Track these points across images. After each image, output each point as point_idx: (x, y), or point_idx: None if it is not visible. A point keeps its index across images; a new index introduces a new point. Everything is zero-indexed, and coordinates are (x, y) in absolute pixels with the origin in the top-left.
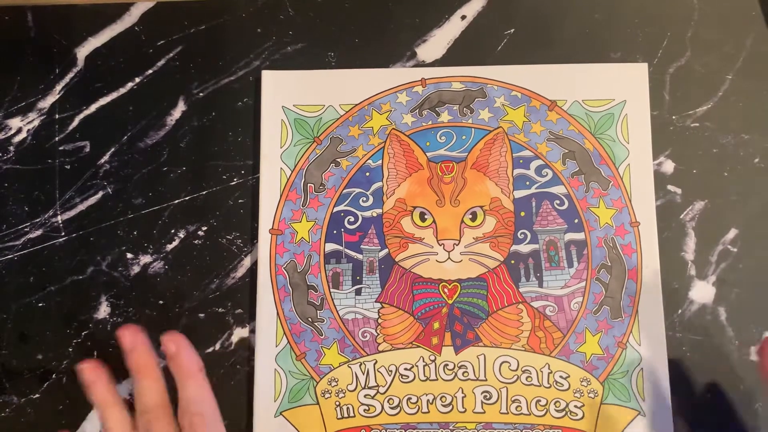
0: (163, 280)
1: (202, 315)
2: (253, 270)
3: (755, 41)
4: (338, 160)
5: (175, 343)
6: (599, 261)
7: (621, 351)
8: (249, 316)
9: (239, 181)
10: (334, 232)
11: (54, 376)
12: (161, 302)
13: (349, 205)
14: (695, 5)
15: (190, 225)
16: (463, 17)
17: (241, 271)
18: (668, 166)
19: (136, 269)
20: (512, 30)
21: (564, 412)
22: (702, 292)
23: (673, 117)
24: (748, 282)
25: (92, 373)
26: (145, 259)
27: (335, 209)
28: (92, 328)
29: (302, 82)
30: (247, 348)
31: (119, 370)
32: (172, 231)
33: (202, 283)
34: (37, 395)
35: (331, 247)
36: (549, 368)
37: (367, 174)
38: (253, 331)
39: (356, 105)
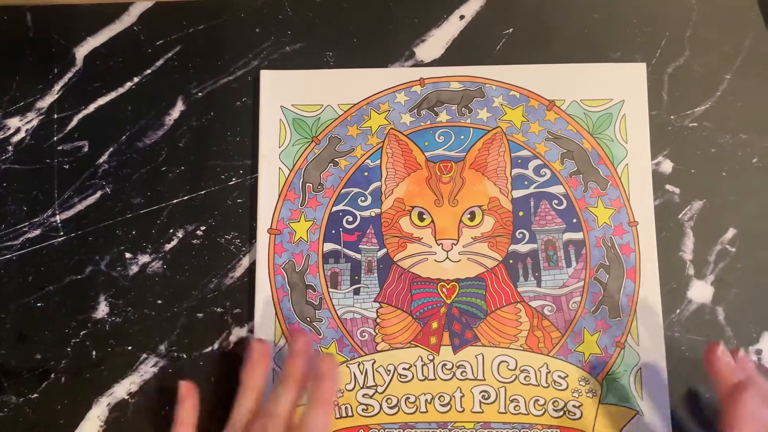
0: (162, 279)
1: (200, 315)
2: (251, 270)
3: (754, 41)
4: (337, 159)
5: (331, 367)
6: (597, 261)
7: (619, 351)
8: (248, 316)
9: (238, 180)
10: (333, 231)
11: (52, 375)
12: (160, 302)
13: (347, 204)
14: (694, 5)
15: (188, 225)
16: (462, 17)
17: (239, 271)
18: (666, 166)
19: (134, 269)
20: (511, 30)
21: (562, 412)
22: (700, 291)
23: (672, 117)
24: (746, 282)
25: (260, 354)
26: (144, 258)
27: (334, 209)
28: (91, 328)
29: (301, 81)
30: (247, 348)
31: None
32: (171, 231)
33: (200, 283)
34: (36, 395)
35: (329, 246)
36: (547, 368)
37: (366, 174)
38: (251, 331)
39: (355, 105)
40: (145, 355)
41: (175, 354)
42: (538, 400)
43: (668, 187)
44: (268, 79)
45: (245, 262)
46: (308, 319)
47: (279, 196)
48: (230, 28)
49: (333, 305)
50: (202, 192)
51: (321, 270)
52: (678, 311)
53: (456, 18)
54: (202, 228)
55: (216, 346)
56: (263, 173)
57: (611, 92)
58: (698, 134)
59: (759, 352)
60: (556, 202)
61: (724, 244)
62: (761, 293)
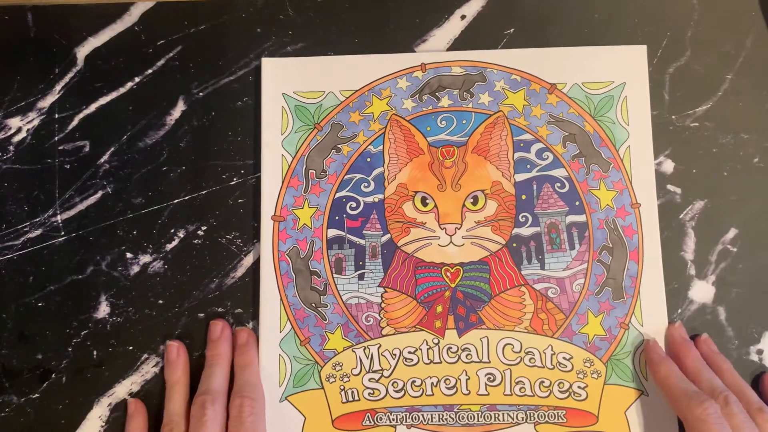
0: (163, 279)
1: (201, 315)
2: (255, 265)
3: (755, 41)
4: (339, 146)
5: (247, 336)
6: (600, 243)
7: (623, 332)
8: (248, 316)
9: (239, 180)
10: (336, 217)
11: (54, 375)
12: (161, 302)
13: (350, 190)
14: (695, 5)
15: (189, 225)
16: (463, 17)
17: (240, 271)
18: (668, 166)
19: (135, 269)
20: (512, 30)
21: (568, 393)
22: (702, 291)
23: (673, 117)
24: (747, 282)
25: (175, 353)
26: (145, 258)
27: (337, 195)
28: (92, 328)
29: (302, 68)
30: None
31: (118, 370)
32: (172, 231)
33: (201, 283)
34: (37, 395)
35: (333, 232)
36: (552, 350)
37: (368, 159)
38: (253, 330)
39: (356, 91)
40: (146, 355)
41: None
42: (543, 381)
43: (669, 187)
44: (270, 66)
45: (246, 261)
46: (313, 304)
47: (282, 183)
48: (231, 28)
49: (338, 291)
50: (203, 192)
51: (325, 256)
52: (679, 311)
53: (457, 18)
54: (203, 228)
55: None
56: (266, 160)
57: (612, 75)
58: (699, 134)
59: (760, 352)
60: (559, 185)
61: (726, 244)
62: (762, 293)
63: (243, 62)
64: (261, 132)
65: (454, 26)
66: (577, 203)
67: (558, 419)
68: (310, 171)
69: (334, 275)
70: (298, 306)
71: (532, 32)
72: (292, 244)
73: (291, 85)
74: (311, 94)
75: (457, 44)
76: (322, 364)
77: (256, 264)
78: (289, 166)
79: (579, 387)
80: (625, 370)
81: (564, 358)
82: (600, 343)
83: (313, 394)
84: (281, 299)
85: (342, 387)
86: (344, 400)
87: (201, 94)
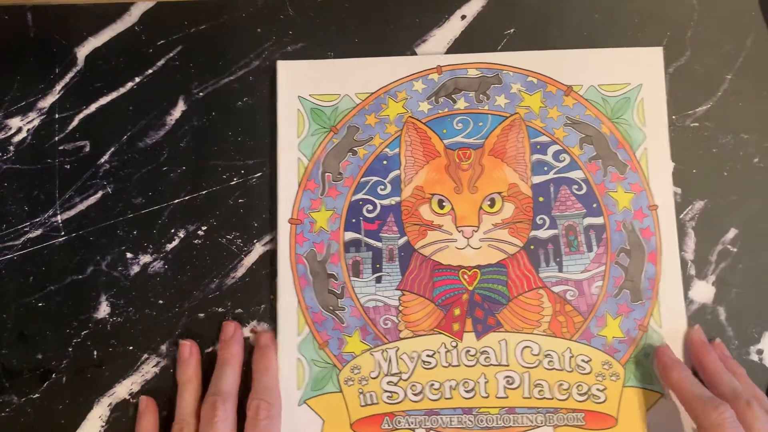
0: (163, 279)
1: (201, 315)
2: (272, 260)
3: (755, 41)
4: (355, 148)
5: (268, 338)
6: (618, 245)
7: (642, 334)
8: (248, 316)
9: (239, 180)
10: (353, 220)
11: (54, 375)
12: (161, 302)
13: (367, 193)
14: (695, 5)
15: (189, 225)
16: (463, 17)
17: (241, 271)
18: None
19: (135, 269)
20: (512, 30)
21: (586, 396)
22: (702, 291)
23: (673, 117)
24: (747, 282)
25: (188, 352)
26: (145, 258)
27: (353, 198)
28: (92, 328)
29: (318, 71)
30: (248, 348)
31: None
32: (172, 231)
33: (201, 283)
34: (37, 395)
35: (350, 235)
36: (570, 352)
37: (385, 162)
38: (253, 332)
39: (372, 93)
40: (146, 355)
41: (177, 354)
42: (562, 384)
43: None
44: (285, 69)
45: (247, 261)
46: (331, 307)
47: (299, 186)
48: (231, 28)
49: (355, 294)
50: (204, 192)
51: (342, 259)
52: None
53: (457, 18)
54: (204, 228)
55: (217, 346)
56: (282, 163)
57: (629, 77)
58: (699, 134)
59: (760, 352)
60: (576, 187)
61: (726, 244)
62: (762, 293)
63: (243, 62)
64: (276, 134)
65: (454, 26)
66: (594, 205)
67: (577, 422)
68: (327, 174)
69: (352, 278)
70: (315, 309)
71: (533, 33)
72: (309, 247)
73: (307, 87)
74: (327, 96)
75: (457, 44)
76: (341, 367)
77: (257, 264)
78: (306, 169)
79: (598, 389)
80: (644, 372)
81: (583, 360)
82: (618, 346)
83: (332, 398)
84: (299, 302)
85: (360, 390)
86: (363, 403)
87: (201, 94)
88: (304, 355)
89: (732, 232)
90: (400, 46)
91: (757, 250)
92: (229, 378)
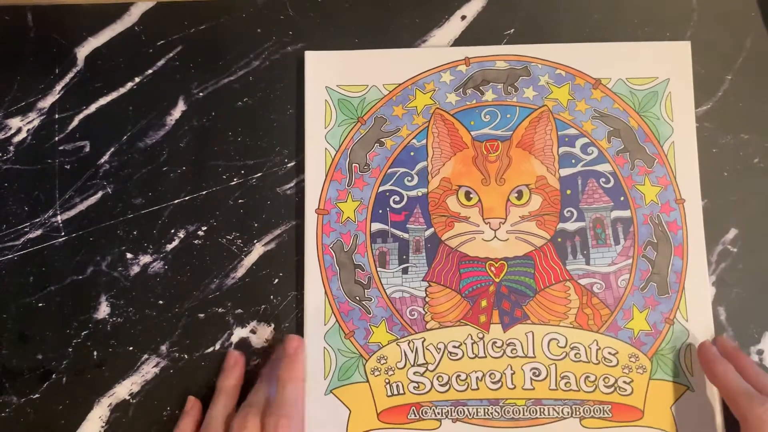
0: (163, 280)
1: (201, 315)
2: (299, 249)
3: (755, 41)
4: (382, 140)
5: (296, 346)
6: (645, 238)
7: (668, 327)
8: (249, 316)
9: (239, 181)
10: (380, 211)
11: (54, 376)
12: (161, 302)
13: (394, 184)
14: (694, 6)
15: (189, 225)
16: (463, 17)
17: (241, 271)
18: None
19: (135, 269)
20: (512, 30)
21: (613, 388)
22: None
23: None
24: (747, 282)
25: (233, 361)
26: (145, 259)
27: (380, 189)
28: (92, 328)
29: (345, 62)
30: (248, 348)
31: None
32: (172, 231)
33: (201, 283)
34: (37, 395)
35: (377, 226)
36: (597, 345)
37: (412, 153)
38: (253, 332)
39: (400, 85)
40: (146, 356)
41: (177, 354)
42: (588, 376)
43: None
44: (313, 60)
45: (247, 261)
46: (357, 298)
47: (326, 176)
48: (231, 28)
49: (382, 284)
50: (204, 192)
51: (369, 249)
52: None
53: (457, 18)
54: (204, 228)
55: (217, 346)
56: (310, 154)
57: (657, 70)
58: (700, 134)
59: (760, 352)
60: (604, 180)
61: (726, 244)
62: (762, 293)
63: (243, 62)
64: (304, 126)
65: (454, 26)
66: (621, 198)
67: (603, 414)
68: (354, 165)
69: (378, 269)
70: (342, 299)
71: (532, 32)
72: (335, 237)
73: (334, 78)
74: (355, 87)
75: (457, 45)
76: (367, 357)
77: (257, 264)
78: (333, 160)
79: (624, 382)
80: (671, 365)
81: (609, 353)
82: (645, 339)
83: (358, 388)
84: (325, 292)
85: (387, 380)
86: (389, 393)
87: (201, 94)
88: (331, 345)
89: (732, 232)
90: (401, 47)
91: (757, 250)
92: (267, 394)
